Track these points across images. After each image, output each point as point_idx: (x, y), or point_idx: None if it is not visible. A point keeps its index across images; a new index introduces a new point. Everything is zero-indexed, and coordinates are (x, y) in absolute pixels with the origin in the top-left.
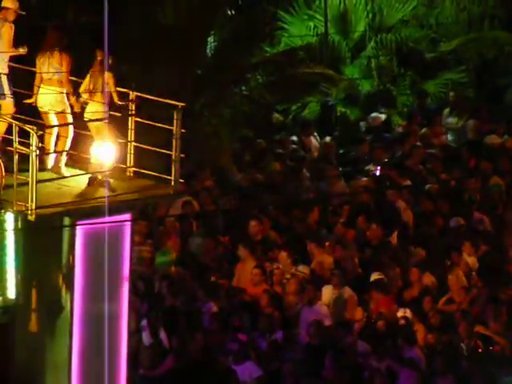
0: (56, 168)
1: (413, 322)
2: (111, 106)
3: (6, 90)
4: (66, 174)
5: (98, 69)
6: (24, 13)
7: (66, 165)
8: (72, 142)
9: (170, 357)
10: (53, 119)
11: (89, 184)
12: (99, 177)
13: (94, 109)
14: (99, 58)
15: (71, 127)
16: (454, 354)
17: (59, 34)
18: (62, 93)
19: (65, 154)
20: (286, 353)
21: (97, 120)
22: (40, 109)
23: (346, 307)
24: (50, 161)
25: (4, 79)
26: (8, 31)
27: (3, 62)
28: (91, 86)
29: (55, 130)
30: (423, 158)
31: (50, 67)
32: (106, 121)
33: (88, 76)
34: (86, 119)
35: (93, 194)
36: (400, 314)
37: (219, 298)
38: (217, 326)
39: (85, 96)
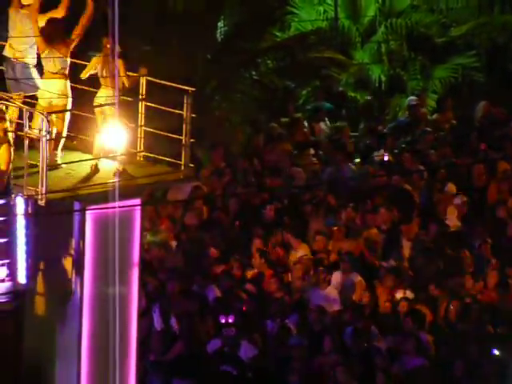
0: (51, 154)
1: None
2: (122, 91)
3: (39, 82)
4: (59, 161)
5: (108, 55)
6: None
7: (75, 149)
8: (81, 127)
9: (180, 342)
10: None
11: (92, 170)
12: (119, 167)
13: (105, 94)
14: (108, 45)
15: (68, 113)
16: (462, 338)
17: (58, 26)
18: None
19: (63, 140)
20: (294, 338)
21: (107, 105)
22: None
23: (354, 292)
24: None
25: (34, 72)
26: (34, 22)
27: (33, 54)
28: (103, 72)
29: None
30: (433, 143)
31: (56, 61)
32: (117, 106)
33: (93, 61)
34: (96, 104)
35: (103, 178)
36: (400, 295)
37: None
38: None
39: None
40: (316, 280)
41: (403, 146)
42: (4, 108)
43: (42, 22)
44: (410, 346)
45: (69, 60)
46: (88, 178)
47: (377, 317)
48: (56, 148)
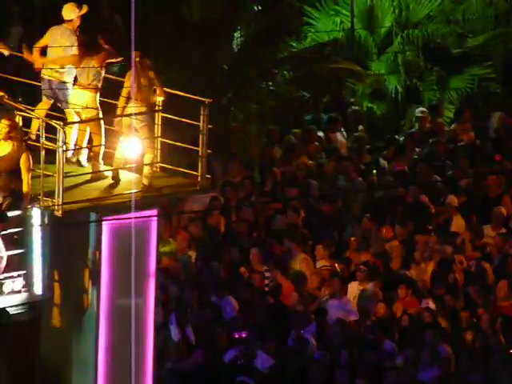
0: (96, 170)
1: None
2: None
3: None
4: (107, 176)
5: (138, 68)
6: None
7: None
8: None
9: (198, 351)
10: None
11: (113, 181)
12: (146, 182)
13: (135, 106)
14: (137, 59)
15: (103, 125)
16: (481, 351)
17: (94, 37)
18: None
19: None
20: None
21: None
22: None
23: (371, 303)
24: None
25: (70, 88)
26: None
27: (72, 73)
28: (135, 85)
29: (76, 126)
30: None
31: (90, 72)
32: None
33: (127, 75)
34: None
35: (120, 189)
36: (423, 305)
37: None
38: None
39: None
40: (333, 291)
41: (415, 156)
42: (20, 118)
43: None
44: (427, 357)
45: (103, 72)
46: (107, 189)
47: (394, 328)
48: (97, 159)
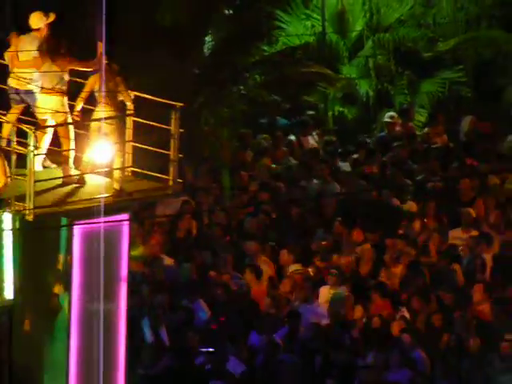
0: (67, 174)
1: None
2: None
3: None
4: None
5: (106, 72)
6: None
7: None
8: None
9: (168, 355)
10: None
11: (78, 184)
12: (117, 186)
13: (103, 111)
14: (106, 62)
15: (72, 129)
16: (455, 354)
17: (59, 41)
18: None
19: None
20: (284, 354)
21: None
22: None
23: (343, 306)
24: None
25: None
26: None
27: (39, 82)
28: (102, 89)
29: (51, 130)
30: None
31: (52, 76)
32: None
33: (91, 79)
34: (94, 120)
35: (91, 193)
36: (399, 314)
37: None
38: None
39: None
40: (304, 295)
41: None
42: None
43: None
44: (397, 359)
45: (66, 77)
46: (75, 193)
47: (367, 331)
48: (67, 163)
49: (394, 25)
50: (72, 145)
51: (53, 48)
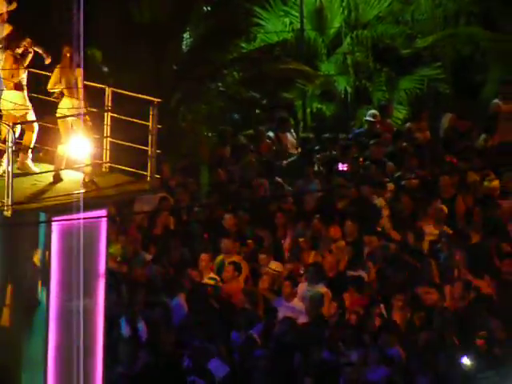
0: (22, 164)
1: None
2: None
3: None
4: (34, 170)
5: (68, 65)
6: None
7: (41, 161)
8: (47, 139)
9: (144, 352)
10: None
11: (53, 180)
12: (86, 179)
13: (68, 105)
14: (68, 54)
15: (36, 124)
16: (432, 350)
17: (18, 33)
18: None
19: (30, 150)
20: (260, 350)
21: (69, 116)
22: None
23: (321, 304)
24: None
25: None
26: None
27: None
28: (64, 82)
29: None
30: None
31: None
32: (81, 117)
33: (56, 71)
34: (59, 115)
35: (68, 189)
36: (377, 311)
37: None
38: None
39: (55, 92)
40: (282, 291)
41: (356, 156)
42: None
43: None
44: (375, 357)
45: (22, 72)
46: (52, 188)
47: (344, 328)
48: (26, 153)
49: (372, 21)
50: (33, 137)
51: (14, 44)
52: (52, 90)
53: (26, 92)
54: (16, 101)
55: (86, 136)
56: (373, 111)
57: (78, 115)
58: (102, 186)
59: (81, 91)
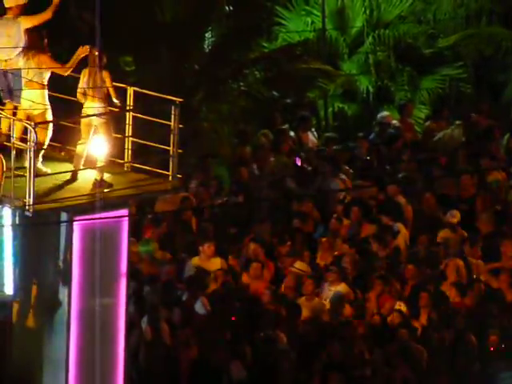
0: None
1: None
2: (109, 102)
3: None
4: (46, 171)
5: (94, 65)
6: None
7: (65, 161)
8: (70, 138)
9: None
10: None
11: (70, 179)
12: (97, 177)
13: (92, 105)
14: (95, 56)
15: (50, 125)
16: (451, 350)
17: (39, 34)
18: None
19: (42, 151)
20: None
21: (95, 115)
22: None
23: (342, 303)
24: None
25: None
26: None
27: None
28: (90, 83)
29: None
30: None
31: (31, 69)
32: (104, 117)
33: (84, 72)
34: (85, 115)
35: (90, 189)
36: (396, 307)
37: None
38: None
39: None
40: (305, 291)
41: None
42: None
43: (28, 24)
44: (401, 357)
45: (45, 72)
46: (74, 188)
47: (367, 328)
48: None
49: (394, 21)
50: (48, 137)
51: (35, 43)
52: (81, 91)
53: (46, 91)
54: (35, 99)
55: (108, 136)
56: (384, 113)
57: (102, 115)
58: (122, 186)
59: (113, 92)
